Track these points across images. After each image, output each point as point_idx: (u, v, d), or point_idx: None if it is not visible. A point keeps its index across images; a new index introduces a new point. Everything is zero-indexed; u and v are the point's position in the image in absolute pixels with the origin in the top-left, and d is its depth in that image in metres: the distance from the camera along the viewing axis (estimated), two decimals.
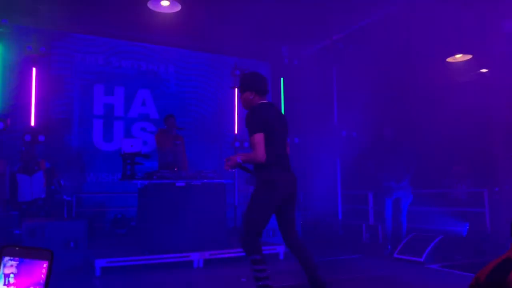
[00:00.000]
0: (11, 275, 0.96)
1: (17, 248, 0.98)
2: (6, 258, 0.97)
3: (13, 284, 0.96)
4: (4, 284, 0.95)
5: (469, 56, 7.79)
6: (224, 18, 7.17)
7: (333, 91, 7.63)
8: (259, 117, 3.20)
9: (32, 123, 7.25)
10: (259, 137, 3.13)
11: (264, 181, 3.24)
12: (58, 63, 7.91)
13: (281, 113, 3.51)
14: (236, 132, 8.74)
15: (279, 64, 8.57)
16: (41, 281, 0.96)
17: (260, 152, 3.13)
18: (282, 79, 8.33)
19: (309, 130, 7.90)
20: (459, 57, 7.85)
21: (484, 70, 8.40)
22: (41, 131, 7.16)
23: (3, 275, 0.96)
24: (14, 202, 6.91)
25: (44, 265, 0.97)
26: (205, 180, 5.98)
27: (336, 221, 7.72)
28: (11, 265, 0.97)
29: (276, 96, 8.64)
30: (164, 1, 6.64)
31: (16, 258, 0.97)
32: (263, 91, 3.36)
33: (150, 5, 6.71)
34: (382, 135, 6.32)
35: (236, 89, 8.96)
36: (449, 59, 7.94)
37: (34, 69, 7.32)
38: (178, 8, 6.83)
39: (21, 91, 7.29)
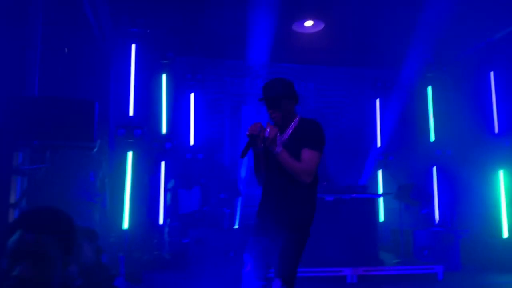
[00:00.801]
0: None
1: None
2: None
3: None
4: None
5: None
6: (365, 32, 7.14)
7: (491, 97, 6.97)
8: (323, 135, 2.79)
9: (192, 142, 8.07)
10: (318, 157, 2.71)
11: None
12: (212, 88, 8.70)
13: None
14: (379, 145, 8.54)
15: (425, 72, 8.15)
16: None
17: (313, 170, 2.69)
18: (429, 87, 7.90)
19: (465, 140, 7.33)
20: None
21: None
22: (199, 149, 7.94)
23: None
24: (176, 214, 7.73)
25: None
26: (354, 195, 5.95)
27: (499, 241, 6.97)
28: None
29: (423, 106, 8.22)
30: (308, 21, 6.88)
31: None
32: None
33: (294, 27, 7.01)
34: None
35: (378, 101, 8.79)
36: None
37: (192, 94, 8.17)
38: (321, 27, 7.01)
39: (182, 115, 8.18)
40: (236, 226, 7.56)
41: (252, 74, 8.92)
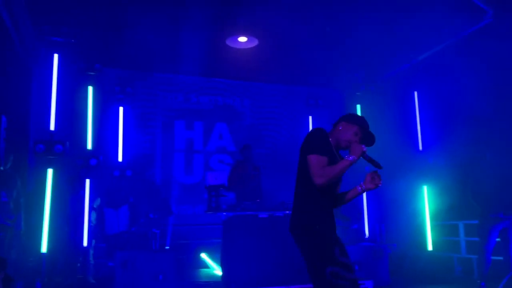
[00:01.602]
0: None
1: None
2: None
3: None
4: None
5: None
6: (297, 50, 7.25)
7: (415, 115, 7.34)
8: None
9: (120, 159, 7.66)
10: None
11: None
12: (143, 102, 8.37)
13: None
14: None
15: (353, 91, 8.44)
16: None
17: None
18: (358, 106, 8.17)
19: (391, 157, 7.61)
20: None
21: None
22: (128, 166, 7.56)
23: None
24: (102, 235, 7.25)
25: None
26: (288, 212, 5.91)
27: (424, 254, 7.27)
28: None
29: None
30: (242, 37, 6.85)
31: None
32: None
33: (228, 42, 6.96)
34: (485, 158, 5.88)
35: (310, 118, 8.96)
36: None
37: (121, 108, 7.80)
38: (255, 43, 7.02)
39: (110, 129, 7.76)
40: (167, 247, 7.24)
41: (186, 88, 8.72)
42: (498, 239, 5.89)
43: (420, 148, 7.25)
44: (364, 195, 7.98)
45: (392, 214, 7.72)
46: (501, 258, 5.90)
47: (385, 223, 7.81)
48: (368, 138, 3.01)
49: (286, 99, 9.33)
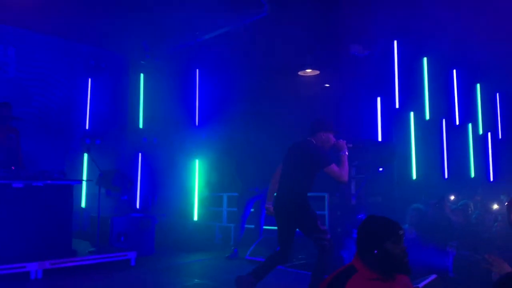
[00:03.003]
0: None
1: None
2: None
3: None
4: None
5: (317, 72, 8.54)
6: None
7: (195, 92, 7.60)
8: None
9: None
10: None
11: None
12: None
13: (299, 148, 3.98)
14: (87, 127, 8.06)
15: (139, 59, 8.17)
16: None
17: None
18: (142, 75, 7.96)
19: (170, 130, 7.73)
20: (309, 71, 8.54)
21: (327, 85, 9.35)
22: None
23: None
24: None
25: None
26: (49, 181, 5.36)
27: (191, 223, 7.70)
28: None
29: (135, 93, 8.22)
30: None
31: None
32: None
33: None
34: (250, 141, 6.51)
35: (90, 80, 8.30)
36: (300, 73, 8.60)
37: None
38: None
39: None
40: None
41: None
42: (252, 210, 6.69)
43: (197, 123, 7.57)
44: (139, 166, 7.91)
45: (165, 185, 7.89)
46: (252, 226, 6.73)
47: (158, 194, 7.95)
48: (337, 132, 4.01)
49: (63, 55, 8.35)
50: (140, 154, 7.86)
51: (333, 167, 3.71)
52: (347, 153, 3.80)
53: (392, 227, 2.22)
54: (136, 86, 8.16)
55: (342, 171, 3.73)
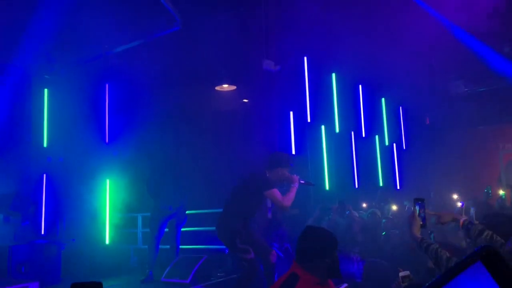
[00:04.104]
0: None
1: None
2: None
3: None
4: None
5: (234, 87, 8.58)
6: None
7: (105, 107, 7.20)
8: None
9: None
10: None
11: None
12: None
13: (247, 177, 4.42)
14: None
15: (42, 73, 7.58)
16: None
17: None
18: (46, 90, 7.38)
19: (77, 148, 7.23)
20: (226, 86, 8.56)
21: (245, 100, 9.45)
22: None
23: None
24: None
25: None
26: None
27: (103, 247, 7.22)
28: None
29: (39, 109, 7.58)
30: None
31: None
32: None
33: None
34: (164, 157, 6.34)
35: None
36: (217, 88, 8.58)
37: None
38: None
39: None
40: None
41: None
42: (166, 230, 6.45)
43: (107, 140, 7.17)
44: (44, 187, 7.29)
45: (74, 208, 7.33)
46: (168, 246, 6.48)
47: (66, 218, 7.36)
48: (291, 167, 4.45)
49: None
50: (44, 175, 7.24)
51: (274, 192, 4.18)
52: (297, 186, 4.26)
53: (335, 238, 2.50)
54: (40, 101, 7.55)
55: (286, 198, 4.19)
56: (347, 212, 6.35)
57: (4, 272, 5.83)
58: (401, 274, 2.68)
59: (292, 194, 4.22)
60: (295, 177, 4.31)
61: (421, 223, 2.46)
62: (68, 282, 5.89)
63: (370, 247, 5.13)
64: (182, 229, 7.01)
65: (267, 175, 4.30)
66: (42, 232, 7.10)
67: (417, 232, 2.47)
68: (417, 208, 2.46)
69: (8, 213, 5.96)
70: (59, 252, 6.14)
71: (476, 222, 5.04)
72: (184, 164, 7.06)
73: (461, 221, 2.58)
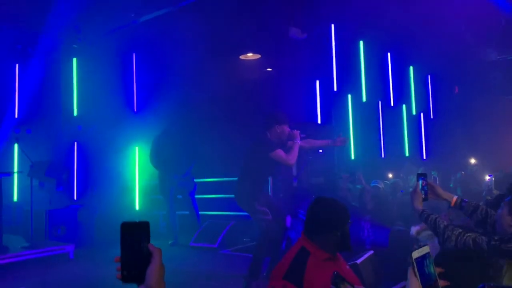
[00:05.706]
0: None
1: None
2: None
3: None
4: None
5: (258, 56, 8.53)
6: None
7: (132, 77, 7.29)
8: None
9: None
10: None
11: None
12: None
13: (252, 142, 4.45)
14: (16, 116, 7.53)
15: (71, 42, 7.70)
16: None
17: None
18: (75, 59, 7.51)
19: (106, 117, 7.39)
20: (250, 55, 8.52)
21: (269, 69, 9.39)
22: None
23: None
24: None
25: None
26: None
27: (132, 213, 7.48)
28: None
29: (68, 78, 7.75)
30: None
31: None
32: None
33: None
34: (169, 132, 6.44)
35: (17, 66, 7.73)
36: (242, 57, 8.55)
37: None
38: None
39: None
40: None
41: None
42: (180, 197, 6.62)
43: (135, 109, 7.30)
44: (75, 155, 7.54)
45: (104, 174, 7.57)
46: (187, 212, 6.67)
47: (97, 184, 7.62)
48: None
49: None
50: (75, 143, 7.47)
51: (278, 152, 4.13)
52: (299, 141, 4.22)
53: (347, 210, 2.34)
54: (69, 71, 7.70)
55: (289, 156, 4.15)
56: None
57: (41, 234, 6.15)
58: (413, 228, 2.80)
59: (295, 150, 4.19)
60: (296, 132, 4.28)
61: (423, 196, 2.53)
62: (100, 245, 6.13)
63: (379, 215, 5.14)
64: (210, 196, 7.18)
65: (268, 136, 4.29)
66: (75, 198, 7.40)
67: (418, 204, 2.52)
68: (420, 182, 2.53)
69: (43, 179, 6.21)
70: (92, 217, 6.40)
71: (495, 191, 4.99)
72: (198, 132, 7.10)
73: (453, 199, 2.57)
